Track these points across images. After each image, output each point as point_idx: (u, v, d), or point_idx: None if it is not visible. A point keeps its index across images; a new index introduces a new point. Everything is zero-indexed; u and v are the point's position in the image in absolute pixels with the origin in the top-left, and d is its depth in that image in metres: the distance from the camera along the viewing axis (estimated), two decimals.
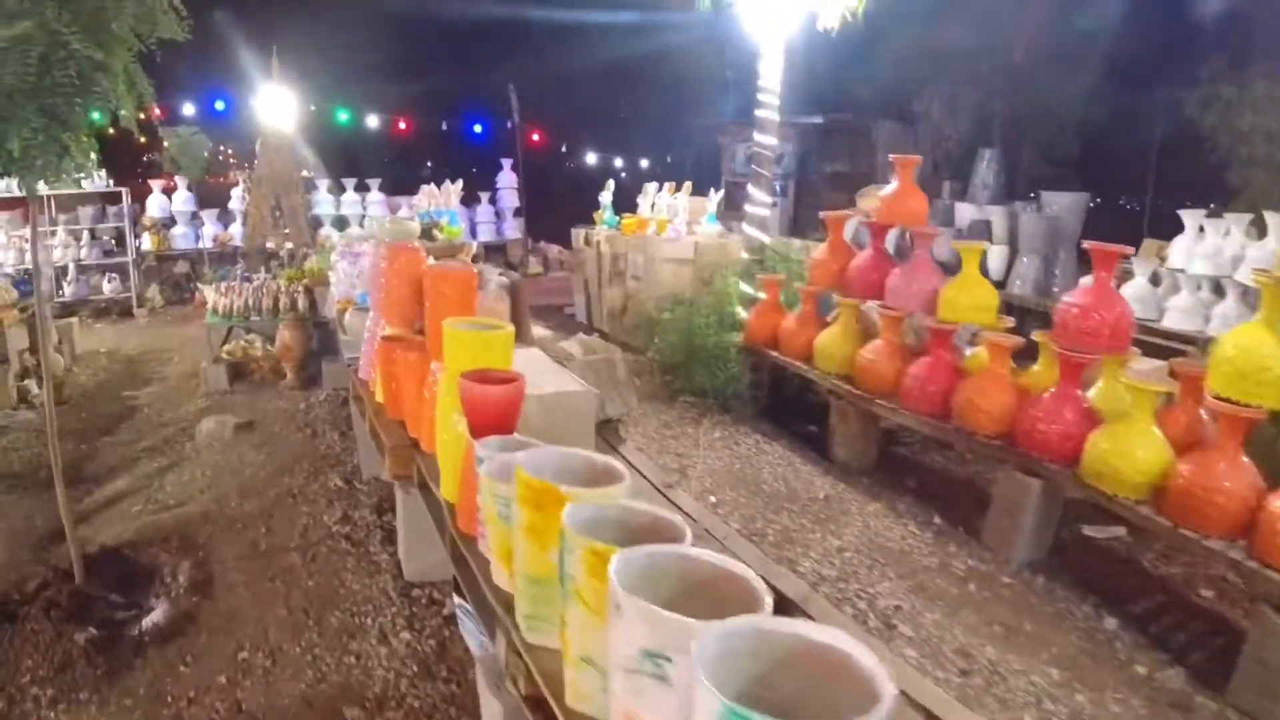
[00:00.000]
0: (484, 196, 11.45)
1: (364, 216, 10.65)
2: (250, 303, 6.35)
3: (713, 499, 4.19)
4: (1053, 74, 9.71)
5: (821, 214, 5.42)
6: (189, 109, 12.42)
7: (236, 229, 10.37)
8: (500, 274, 5.04)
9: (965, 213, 8.53)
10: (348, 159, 11.31)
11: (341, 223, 10.45)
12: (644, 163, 14.55)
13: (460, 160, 12.25)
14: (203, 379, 6.33)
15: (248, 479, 4.59)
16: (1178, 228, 5.77)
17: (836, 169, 12.71)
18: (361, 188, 11.24)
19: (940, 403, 4.08)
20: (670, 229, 6.86)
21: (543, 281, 12.12)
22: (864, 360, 4.56)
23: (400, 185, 11.89)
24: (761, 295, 5.68)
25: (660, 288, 6.91)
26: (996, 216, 7.75)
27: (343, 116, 10.85)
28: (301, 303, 6.34)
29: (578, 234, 8.47)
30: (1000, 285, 7.03)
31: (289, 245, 8.64)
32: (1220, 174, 7.62)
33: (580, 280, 8.54)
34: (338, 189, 11.09)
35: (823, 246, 5.26)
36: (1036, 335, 4.01)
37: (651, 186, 7.70)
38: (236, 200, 10.64)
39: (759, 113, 6.17)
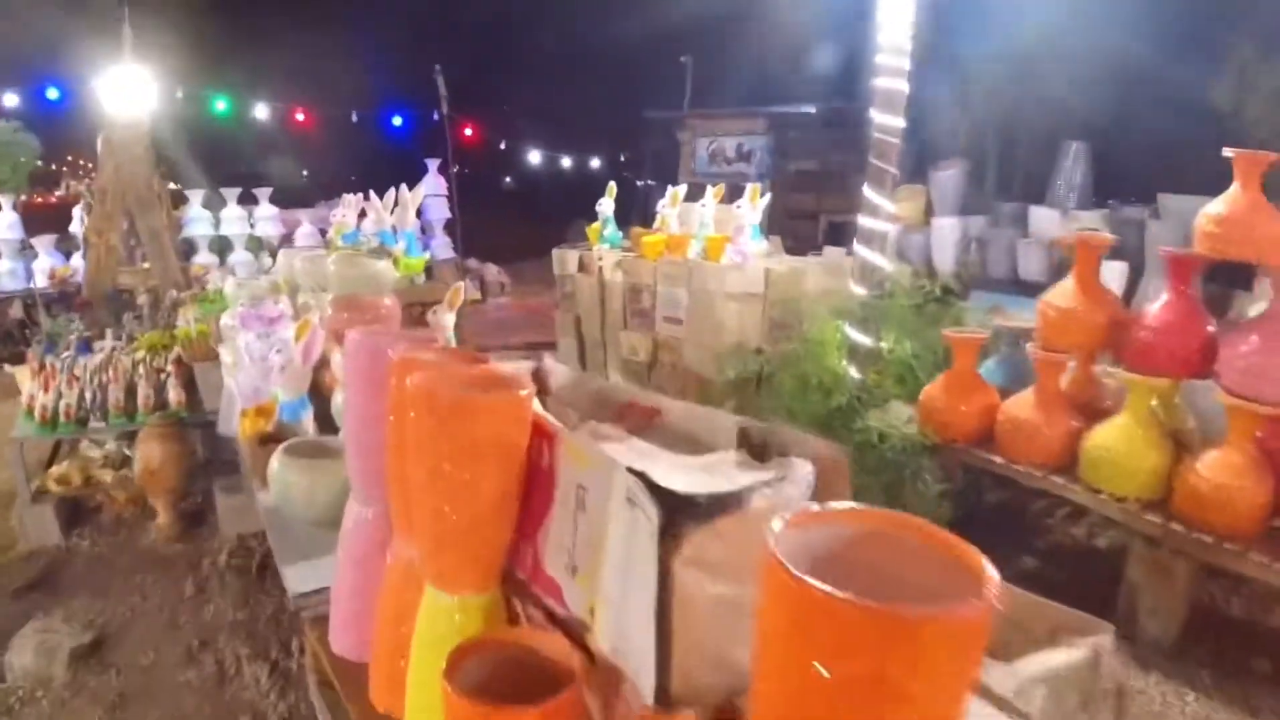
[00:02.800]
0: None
1: (249, 236, 8.14)
2: (91, 394, 3.92)
3: None
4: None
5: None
6: (9, 100, 9.49)
7: (79, 261, 7.66)
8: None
9: (1044, 219, 6.92)
10: (228, 161, 8.76)
11: (223, 248, 7.89)
12: (595, 162, 12.50)
13: (376, 161, 9.84)
14: (19, 527, 3.86)
15: None
16: None
17: (802, 166, 10.91)
18: (247, 199, 8.71)
19: None
20: (732, 251, 4.83)
21: (485, 311, 9.88)
22: (1202, 481, 2.69)
23: (298, 195, 9.39)
24: (881, 347, 3.79)
25: (718, 335, 4.88)
26: (1095, 223, 6.11)
27: (220, 106, 8.30)
28: (174, 392, 3.95)
29: (563, 256, 6.30)
30: None
31: (149, 286, 6.07)
32: None
33: (569, 318, 6.38)
34: (217, 201, 8.51)
35: (1064, 288, 3.32)
36: None
37: (679, 191, 5.64)
38: (78, 222, 7.91)
39: (879, 82, 4.23)
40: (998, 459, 3.41)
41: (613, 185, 5.91)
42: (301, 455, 1.91)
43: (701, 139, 11.73)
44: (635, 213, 11.56)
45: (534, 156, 10.56)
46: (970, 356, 3.59)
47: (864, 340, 4.38)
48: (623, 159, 11.40)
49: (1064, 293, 3.29)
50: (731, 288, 4.75)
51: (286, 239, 9.58)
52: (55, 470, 3.98)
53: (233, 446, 3.71)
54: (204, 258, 7.94)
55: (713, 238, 4.92)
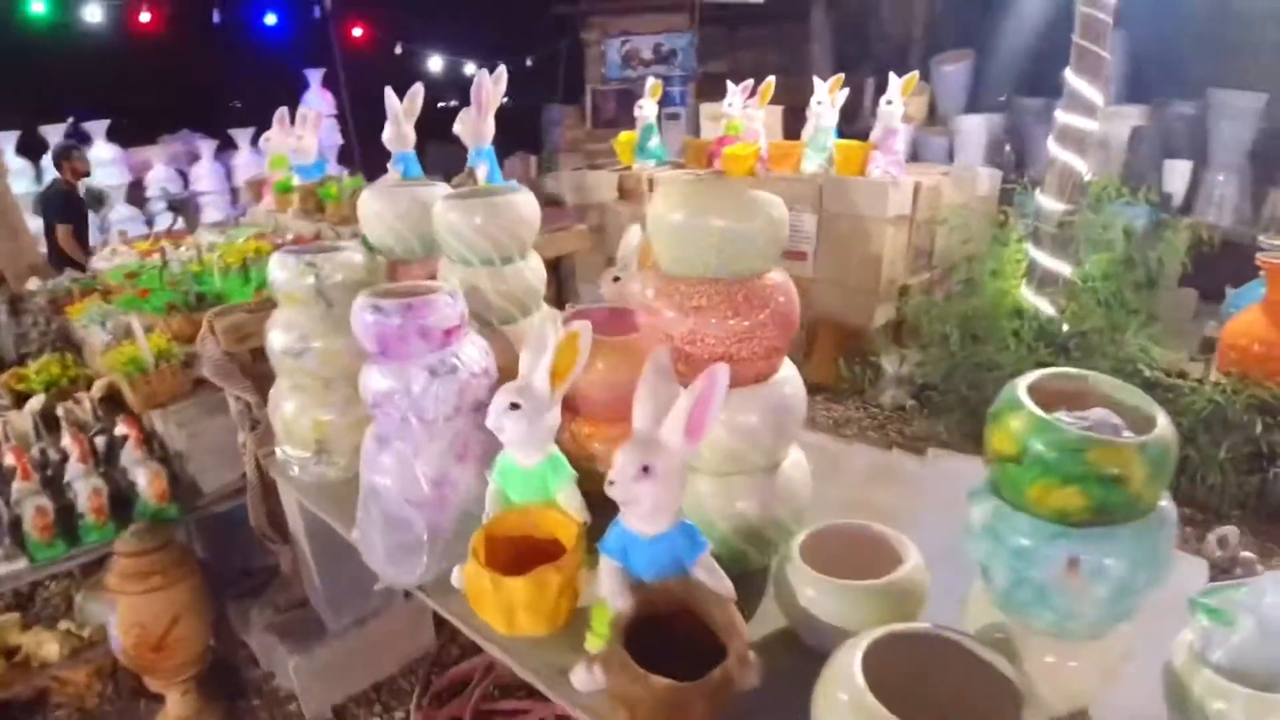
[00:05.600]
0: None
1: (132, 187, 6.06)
2: None
3: None
4: None
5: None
6: None
7: None
8: None
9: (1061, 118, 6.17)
10: (52, 84, 6.40)
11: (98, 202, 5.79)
12: (503, 68, 10.34)
13: (243, 74, 7.62)
14: None
15: None
16: None
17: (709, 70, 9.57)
18: (77, 135, 6.48)
19: None
20: (879, 160, 3.71)
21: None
22: None
23: (148, 123, 7.18)
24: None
25: (866, 270, 3.81)
26: (1139, 119, 5.51)
27: (38, 7, 5.88)
28: (143, 474, 2.23)
29: (583, 180, 4.91)
30: (1184, 211, 4.89)
31: None
32: None
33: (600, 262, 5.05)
34: (37, 144, 6.24)
35: None
36: None
37: (736, 90, 4.40)
38: None
39: None
40: None
41: (658, 84, 4.55)
42: None
43: (612, 39, 10.11)
44: (546, 140, 9.88)
45: (435, 63, 8.61)
46: None
47: (1058, 268, 3.48)
48: (528, 63, 9.64)
49: None
50: (892, 210, 3.66)
51: (135, 187, 7.39)
52: None
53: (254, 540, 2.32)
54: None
55: (850, 145, 3.77)
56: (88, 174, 5.09)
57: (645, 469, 1.26)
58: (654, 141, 4.54)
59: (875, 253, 3.71)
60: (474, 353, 1.64)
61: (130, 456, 2.30)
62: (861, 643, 1.10)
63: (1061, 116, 3.42)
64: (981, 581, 1.28)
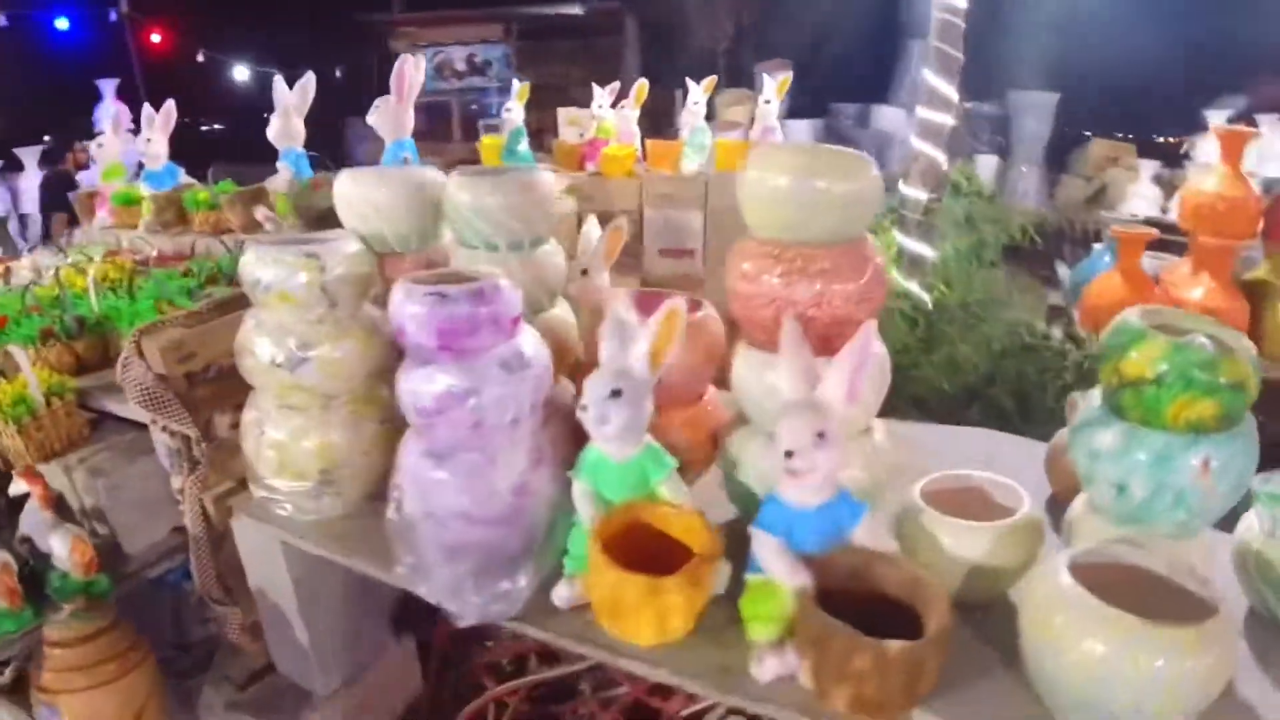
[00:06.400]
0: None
1: None
2: None
3: None
4: None
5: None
6: None
7: None
8: None
9: (890, 118, 6.84)
10: None
11: None
12: (311, 76, 9.46)
13: (28, 83, 6.35)
14: None
15: None
16: None
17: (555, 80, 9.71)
18: None
19: None
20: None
21: None
22: None
23: None
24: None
25: None
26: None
27: None
28: (65, 545, 1.74)
29: None
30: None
31: None
32: None
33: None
34: None
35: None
36: None
37: (603, 92, 4.40)
38: None
39: None
40: None
41: (525, 86, 4.41)
42: None
43: (423, 49, 9.77)
44: (353, 155, 9.27)
45: (240, 72, 7.71)
46: (1137, 253, 3.24)
47: (925, 252, 3.84)
48: (337, 74, 8.99)
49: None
50: None
51: None
52: None
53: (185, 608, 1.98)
54: None
55: (730, 143, 3.87)
56: None
57: (821, 435, 1.20)
58: (523, 145, 4.38)
59: None
60: (535, 344, 1.47)
61: (35, 520, 1.81)
62: (1062, 563, 1.13)
63: (922, 113, 3.76)
64: (1089, 504, 1.39)
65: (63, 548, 1.79)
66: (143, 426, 2.12)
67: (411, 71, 2.48)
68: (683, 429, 1.59)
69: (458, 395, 1.35)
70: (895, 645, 1.08)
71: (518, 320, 1.43)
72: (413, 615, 2.16)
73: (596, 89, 4.45)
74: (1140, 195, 4.47)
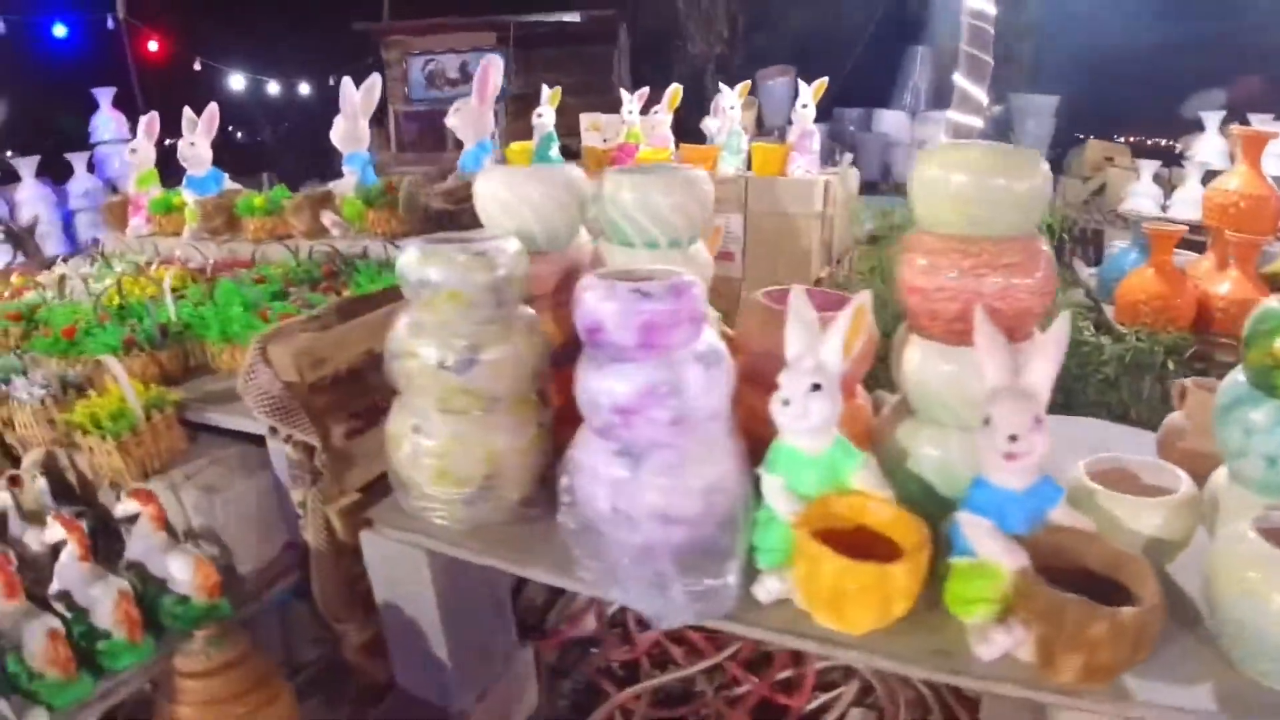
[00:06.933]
0: (80, 162, 5.89)
1: None
2: None
3: None
4: None
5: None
6: None
7: None
8: None
9: (891, 122, 6.97)
10: None
11: None
12: (305, 87, 9.18)
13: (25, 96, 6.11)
14: None
15: None
16: None
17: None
18: None
19: None
20: (799, 160, 3.94)
21: None
22: None
23: None
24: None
25: (796, 267, 4.00)
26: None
27: None
28: (181, 564, 1.73)
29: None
30: None
31: None
32: None
33: None
34: None
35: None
36: None
37: (632, 98, 4.44)
38: None
39: None
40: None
41: (556, 91, 4.43)
42: None
43: (416, 57, 9.66)
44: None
45: (237, 82, 7.52)
46: (1169, 249, 3.39)
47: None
48: (331, 82, 8.88)
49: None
50: (816, 206, 3.88)
51: None
52: None
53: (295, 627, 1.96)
54: None
55: (769, 147, 3.95)
56: None
57: (1037, 419, 1.25)
58: (554, 150, 4.39)
59: (804, 248, 3.92)
60: (717, 341, 1.49)
61: (148, 544, 1.75)
62: (1247, 526, 1.23)
63: (954, 115, 3.87)
64: (1233, 477, 1.45)
65: (184, 571, 1.72)
66: (246, 438, 2.09)
67: (494, 74, 2.48)
68: (843, 423, 1.63)
69: (659, 392, 1.37)
70: (1128, 611, 1.14)
71: (705, 317, 1.46)
72: (529, 625, 2.16)
73: (625, 94, 4.50)
74: (1142, 194, 4.65)
